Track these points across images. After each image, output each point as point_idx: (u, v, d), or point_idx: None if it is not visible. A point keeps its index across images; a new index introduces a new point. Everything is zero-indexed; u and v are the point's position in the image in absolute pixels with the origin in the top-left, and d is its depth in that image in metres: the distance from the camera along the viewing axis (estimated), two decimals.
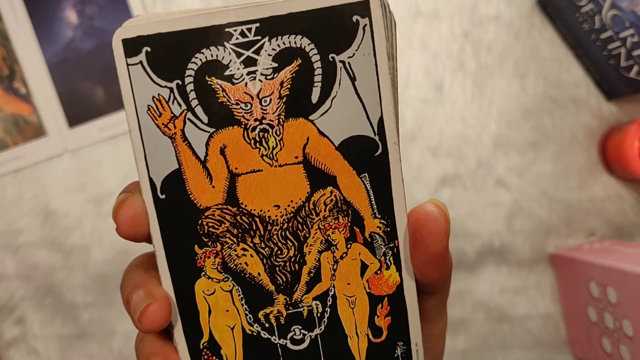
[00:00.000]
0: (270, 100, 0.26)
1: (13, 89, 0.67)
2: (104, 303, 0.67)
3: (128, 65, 0.26)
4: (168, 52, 0.26)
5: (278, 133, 0.27)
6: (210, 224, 0.27)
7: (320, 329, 0.28)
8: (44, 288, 0.67)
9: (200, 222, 0.27)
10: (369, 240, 0.28)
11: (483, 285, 0.68)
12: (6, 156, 0.67)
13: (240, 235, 0.27)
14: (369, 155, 0.27)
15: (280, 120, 0.27)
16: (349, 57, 0.27)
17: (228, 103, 0.26)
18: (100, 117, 0.67)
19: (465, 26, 0.69)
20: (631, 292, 0.55)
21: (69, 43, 0.67)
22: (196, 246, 0.27)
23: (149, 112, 0.26)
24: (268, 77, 0.26)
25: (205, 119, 0.26)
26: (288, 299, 0.28)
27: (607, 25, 0.61)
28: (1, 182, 0.67)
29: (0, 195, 0.67)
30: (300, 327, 0.28)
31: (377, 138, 0.27)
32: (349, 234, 0.28)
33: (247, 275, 0.28)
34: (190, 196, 0.27)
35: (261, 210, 0.27)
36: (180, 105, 0.26)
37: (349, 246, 0.28)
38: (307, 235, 0.28)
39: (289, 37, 0.26)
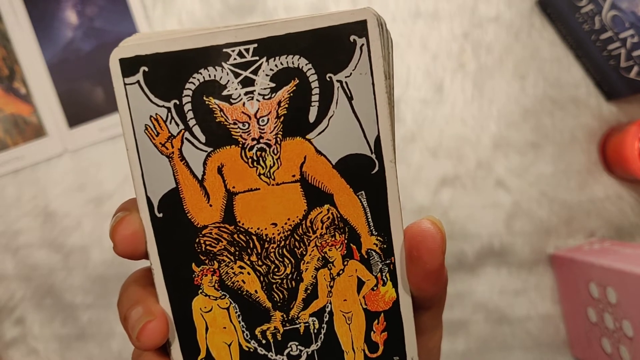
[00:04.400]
0: (268, 119, 0.26)
1: (13, 89, 0.67)
2: (104, 304, 0.67)
3: (125, 84, 0.26)
4: (166, 72, 0.26)
5: (275, 152, 0.27)
6: (207, 242, 0.27)
7: (317, 345, 0.29)
8: (44, 288, 0.67)
9: (197, 240, 0.27)
10: (366, 257, 0.28)
11: (483, 286, 0.68)
12: (6, 156, 0.67)
13: (237, 253, 0.27)
14: (366, 173, 0.27)
15: (278, 139, 0.27)
16: (346, 77, 0.27)
17: (226, 123, 0.26)
18: (100, 118, 0.67)
19: (465, 27, 0.68)
20: (631, 293, 0.55)
21: (68, 43, 0.67)
22: (193, 264, 0.27)
23: (146, 131, 0.26)
24: (266, 97, 0.26)
25: (202, 138, 0.26)
26: (285, 315, 0.28)
27: (607, 26, 0.61)
28: (1, 182, 0.67)
29: None
30: (297, 343, 0.28)
31: (373, 156, 0.27)
32: (345, 251, 0.28)
33: (244, 292, 0.28)
34: (188, 215, 0.27)
35: (258, 229, 0.27)
36: (177, 124, 0.26)
37: (345, 263, 0.28)
38: (304, 252, 0.28)
39: (286, 58, 0.26)
